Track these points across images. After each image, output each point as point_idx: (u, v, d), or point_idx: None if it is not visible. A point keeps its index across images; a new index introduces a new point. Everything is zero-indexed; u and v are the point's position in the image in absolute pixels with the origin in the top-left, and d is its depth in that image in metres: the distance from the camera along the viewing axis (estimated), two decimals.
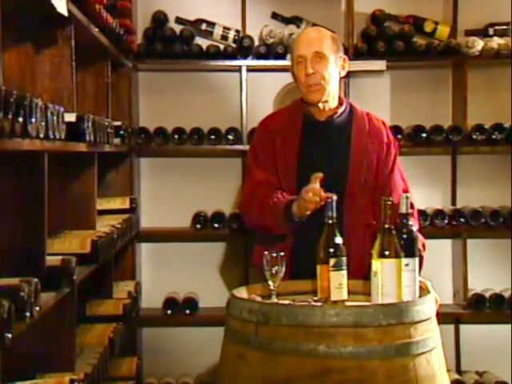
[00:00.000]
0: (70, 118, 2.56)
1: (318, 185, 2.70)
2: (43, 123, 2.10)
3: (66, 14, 2.58)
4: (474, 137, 4.43)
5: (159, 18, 4.51)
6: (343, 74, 3.01)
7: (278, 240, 2.88)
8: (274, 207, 2.85)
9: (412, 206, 2.93)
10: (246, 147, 4.45)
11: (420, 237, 2.83)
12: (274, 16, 4.63)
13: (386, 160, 3.00)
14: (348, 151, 2.97)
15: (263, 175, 2.98)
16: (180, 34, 4.47)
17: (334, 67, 2.95)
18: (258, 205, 2.94)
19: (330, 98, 2.97)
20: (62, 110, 2.32)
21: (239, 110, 4.52)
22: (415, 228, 2.55)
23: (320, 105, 2.96)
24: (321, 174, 2.72)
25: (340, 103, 3.02)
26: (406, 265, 2.42)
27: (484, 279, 4.62)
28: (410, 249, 2.45)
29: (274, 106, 4.56)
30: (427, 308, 2.41)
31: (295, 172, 2.95)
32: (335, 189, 2.66)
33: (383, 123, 3.09)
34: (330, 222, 2.49)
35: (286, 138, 3.00)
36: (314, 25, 4.42)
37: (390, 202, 2.43)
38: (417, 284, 2.46)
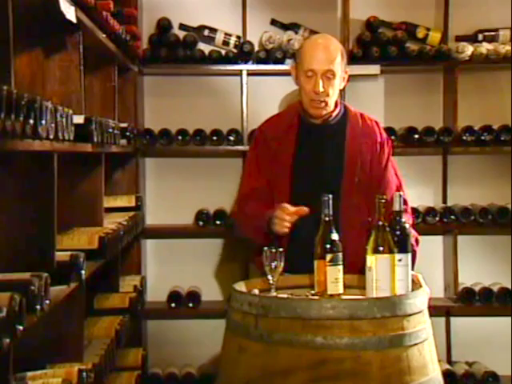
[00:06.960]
0: (79, 120, 2.59)
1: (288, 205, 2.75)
2: (53, 125, 2.13)
3: (74, 20, 2.63)
4: (464, 138, 4.45)
5: (164, 25, 4.54)
6: (342, 86, 3.01)
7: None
8: (258, 223, 2.89)
9: (406, 203, 2.94)
10: (247, 148, 4.48)
11: (413, 232, 2.85)
12: (273, 22, 4.65)
13: (380, 159, 3.02)
14: (342, 152, 2.99)
15: (254, 184, 3.02)
16: (183, 40, 4.50)
17: (339, 82, 2.96)
18: (244, 218, 3.01)
19: (330, 109, 2.99)
20: (70, 112, 2.35)
21: (240, 112, 4.55)
22: (408, 224, 2.57)
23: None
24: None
25: (335, 105, 3.02)
26: (399, 260, 2.46)
27: (474, 274, 4.64)
28: (402, 245, 2.49)
29: (273, 109, 4.52)
30: (419, 301, 2.45)
31: (289, 175, 2.98)
32: (330, 189, 2.69)
33: (376, 123, 3.10)
34: (327, 219, 2.54)
35: (282, 142, 3.01)
36: (312, 31, 4.48)
37: (383, 200, 2.47)
38: (409, 278, 2.50)
